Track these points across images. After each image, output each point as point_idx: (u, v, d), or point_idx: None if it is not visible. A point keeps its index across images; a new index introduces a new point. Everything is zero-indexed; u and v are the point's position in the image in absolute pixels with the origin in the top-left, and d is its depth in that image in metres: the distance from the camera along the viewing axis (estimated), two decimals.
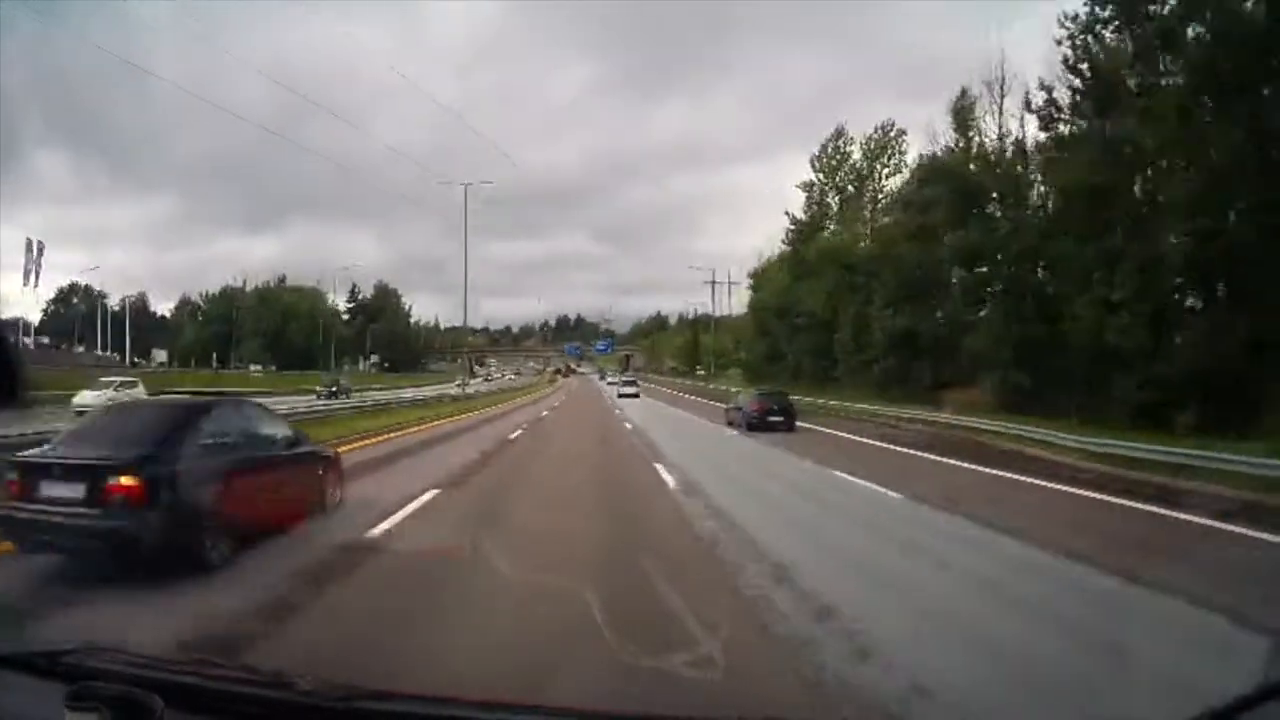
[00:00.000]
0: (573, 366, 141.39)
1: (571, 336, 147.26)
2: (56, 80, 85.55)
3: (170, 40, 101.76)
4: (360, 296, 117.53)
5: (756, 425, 22.33)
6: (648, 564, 5.90)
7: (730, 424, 24.62)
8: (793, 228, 53.67)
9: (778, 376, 47.40)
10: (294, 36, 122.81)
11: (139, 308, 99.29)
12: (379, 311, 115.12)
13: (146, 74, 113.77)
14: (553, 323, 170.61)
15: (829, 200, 52.78)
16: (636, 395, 51.68)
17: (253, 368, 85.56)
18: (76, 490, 5.50)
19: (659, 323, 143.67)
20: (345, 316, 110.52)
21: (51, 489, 5.60)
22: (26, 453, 6.09)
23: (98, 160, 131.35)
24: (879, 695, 3.66)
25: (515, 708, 1.95)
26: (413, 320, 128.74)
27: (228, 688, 1.76)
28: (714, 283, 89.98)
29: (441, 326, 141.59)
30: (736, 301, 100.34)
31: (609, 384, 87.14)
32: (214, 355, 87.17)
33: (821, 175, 52.56)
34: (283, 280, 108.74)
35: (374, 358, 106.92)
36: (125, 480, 5.45)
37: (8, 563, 5.73)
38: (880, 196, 48.41)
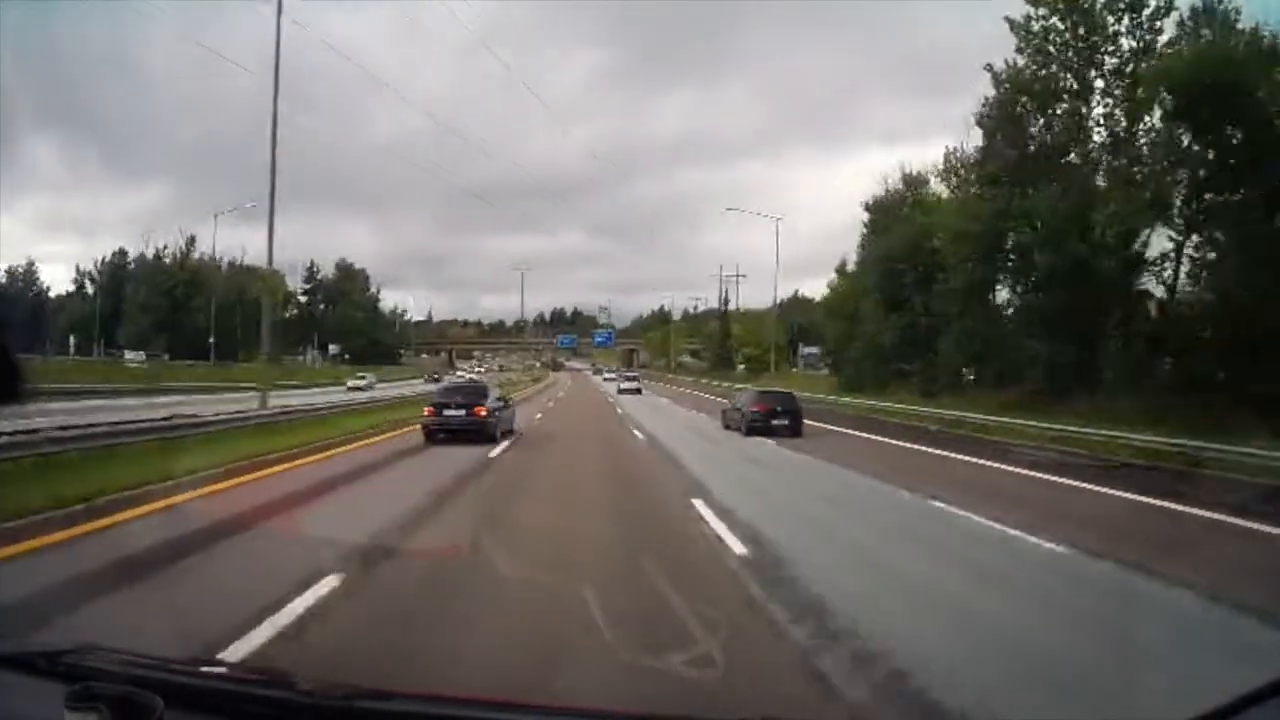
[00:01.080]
0: (561, 361, 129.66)
1: (568, 331, 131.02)
2: (45, 65, 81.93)
3: (159, 26, 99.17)
4: (320, 277, 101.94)
5: (760, 429, 20.26)
6: None
7: (727, 426, 22.87)
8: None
9: (874, 378, 39.11)
10: (287, 22, 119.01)
11: (25, 280, 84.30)
12: (338, 295, 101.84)
13: (136, 58, 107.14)
14: (547, 316, 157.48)
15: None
16: (638, 391, 50.27)
17: (129, 355, 65.38)
18: (460, 411, 16.84)
19: (662, 318, 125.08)
20: (303, 299, 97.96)
21: (449, 411, 16.91)
22: (435, 398, 18.52)
23: (87, 147, 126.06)
24: (879, 696, 3.67)
25: (515, 707, 1.95)
26: (393, 309, 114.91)
27: (228, 688, 1.76)
28: (737, 276, 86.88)
29: (435, 320, 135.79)
30: (746, 299, 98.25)
31: (606, 378, 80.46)
32: (102, 338, 72.09)
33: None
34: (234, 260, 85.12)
35: (332, 348, 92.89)
36: (480, 410, 16.99)
37: (8, 563, 5.78)
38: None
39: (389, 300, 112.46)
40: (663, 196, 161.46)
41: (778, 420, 20.59)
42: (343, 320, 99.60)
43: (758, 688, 3.74)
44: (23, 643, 1.99)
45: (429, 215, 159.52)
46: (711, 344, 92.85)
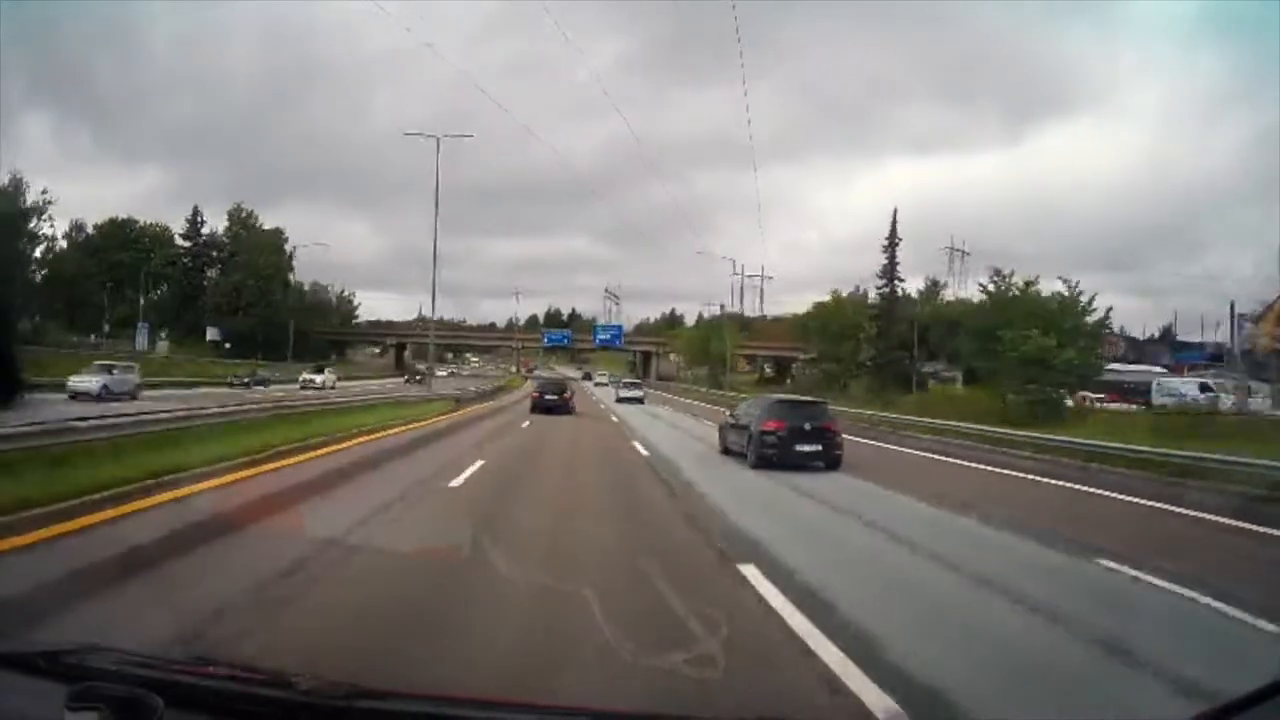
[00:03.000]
0: (533, 365, 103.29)
1: (560, 329, 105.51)
2: (38, 40, 79.08)
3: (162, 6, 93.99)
4: (209, 233, 75.73)
5: (775, 460, 13.74)
6: None
7: (726, 450, 16.22)
8: None
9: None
10: (288, 10, 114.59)
11: None
12: (226, 259, 75.93)
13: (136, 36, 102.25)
14: (541, 319, 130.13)
15: None
16: (641, 400, 43.05)
17: None
18: (553, 393, 30.48)
19: (672, 322, 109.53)
20: (185, 259, 75.58)
21: (548, 396, 30.25)
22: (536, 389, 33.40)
23: (81, 126, 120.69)
24: (878, 696, 3.66)
25: (515, 707, 1.95)
26: (342, 293, 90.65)
27: (228, 687, 1.76)
28: (762, 277, 77.45)
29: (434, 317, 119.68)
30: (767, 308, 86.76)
31: (596, 384, 69.56)
32: None
33: None
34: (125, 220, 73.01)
35: (211, 332, 68.92)
36: (565, 393, 31.01)
37: (8, 563, 5.76)
38: None
39: (373, 302, 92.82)
40: (676, 200, 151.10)
41: (805, 445, 13.82)
42: (242, 292, 71.74)
43: (756, 687, 3.75)
44: (23, 642, 1.99)
45: (426, 213, 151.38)
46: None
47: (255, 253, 74.22)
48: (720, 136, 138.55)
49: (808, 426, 14.04)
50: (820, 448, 13.89)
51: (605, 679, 3.63)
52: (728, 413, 18.81)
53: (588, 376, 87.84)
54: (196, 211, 77.03)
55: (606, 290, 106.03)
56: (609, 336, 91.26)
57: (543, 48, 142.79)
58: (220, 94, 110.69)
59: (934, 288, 74.39)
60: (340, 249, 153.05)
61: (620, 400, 42.47)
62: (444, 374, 72.64)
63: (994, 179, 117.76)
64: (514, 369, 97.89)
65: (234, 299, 72.56)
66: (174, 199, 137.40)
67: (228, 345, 67.22)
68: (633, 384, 49.92)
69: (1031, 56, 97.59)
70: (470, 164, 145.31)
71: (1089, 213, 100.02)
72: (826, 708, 3.59)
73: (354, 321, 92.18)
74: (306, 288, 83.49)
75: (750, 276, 79.92)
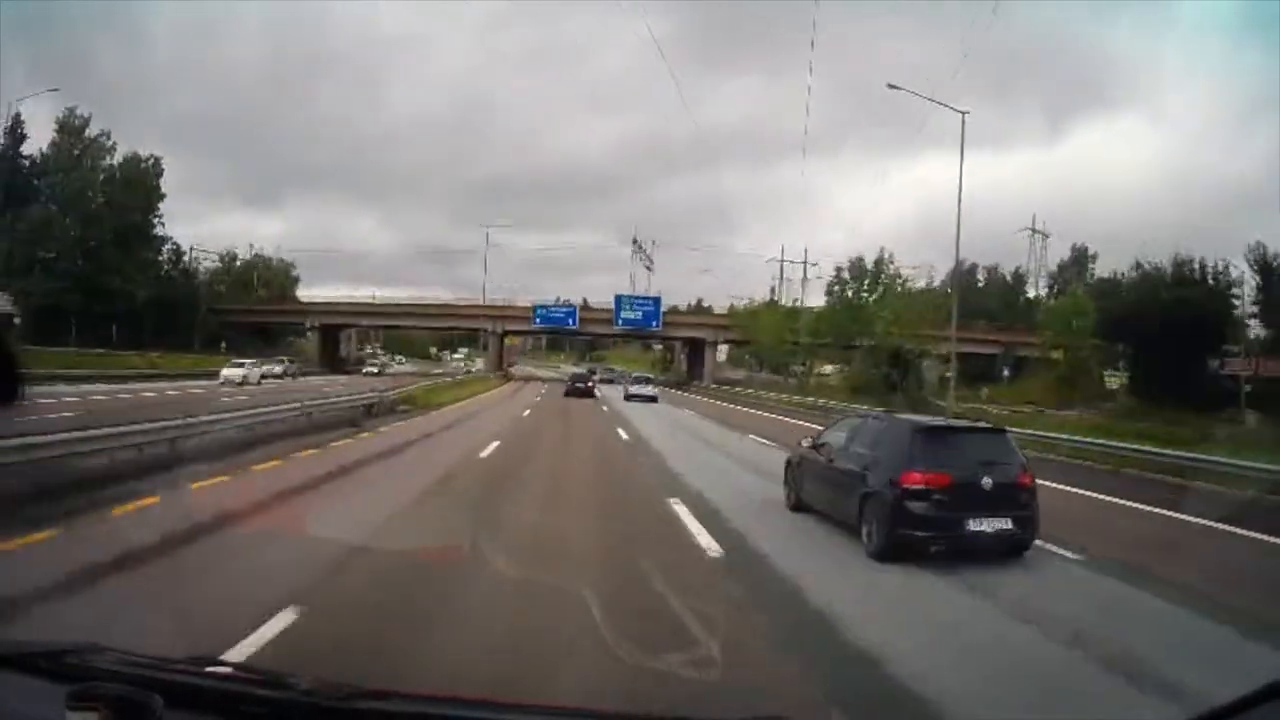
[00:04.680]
0: (512, 365, 79.18)
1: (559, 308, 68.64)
2: (38, 24, 76.63)
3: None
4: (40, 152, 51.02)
5: (930, 543, 7.23)
6: None
7: (800, 505, 9.57)
8: None
9: None
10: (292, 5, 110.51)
11: None
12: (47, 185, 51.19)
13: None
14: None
15: None
16: (654, 399, 37.24)
17: None
18: (584, 381, 41.76)
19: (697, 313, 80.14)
20: None
21: (577, 384, 40.83)
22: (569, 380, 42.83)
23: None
24: (879, 696, 3.66)
25: (515, 708, 1.95)
26: (257, 253, 70.57)
27: (228, 688, 1.77)
28: (806, 263, 56.43)
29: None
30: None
31: (610, 382, 53.17)
32: None
33: None
34: None
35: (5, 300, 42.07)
36: (591, 383, 42.66)
37: (8, 563, 5.76)
38: None
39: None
40: (699, 195, 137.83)
41: (984, 517, 7.31)
42: (49, 233, 48.31)
43: (756, 687, 3.74)
44: (23, 643, 1.99)
45: (437, 207, 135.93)
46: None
47: (90, 185, 50.95)
48: (745, 130, 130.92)
49: (987, 482, 7.39)
50: (1009, 522, 7.33)
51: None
52: (805, 442, 9.93)
53: (578, 382, 57.05)
54: (16, 120, 49.39)
55: (635, 245, 68.97)
56: (639, 316, 59.45)
57: (562, 35, 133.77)
58: (225, 84, 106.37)
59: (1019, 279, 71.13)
60: (349, 243, 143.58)
61: (629, 398, 37.17)
62: (373, 370, 62.21)
63: (1032, 176, 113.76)
64: (482, 367, 66.76)
65: (32, 246, 46.63)
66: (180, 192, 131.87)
67: (16, 320, 39.61)
68: (645, 380, 43.68)
69: (1075, 53, 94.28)
70: (486, 156, 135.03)
71: (1126, 213, 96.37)
72: (826, 708, 3.59)
73: (288, 303, 68.93)
74: (222, 258, 66.97)
75: (793, 261, 58.91)
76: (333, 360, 65.40)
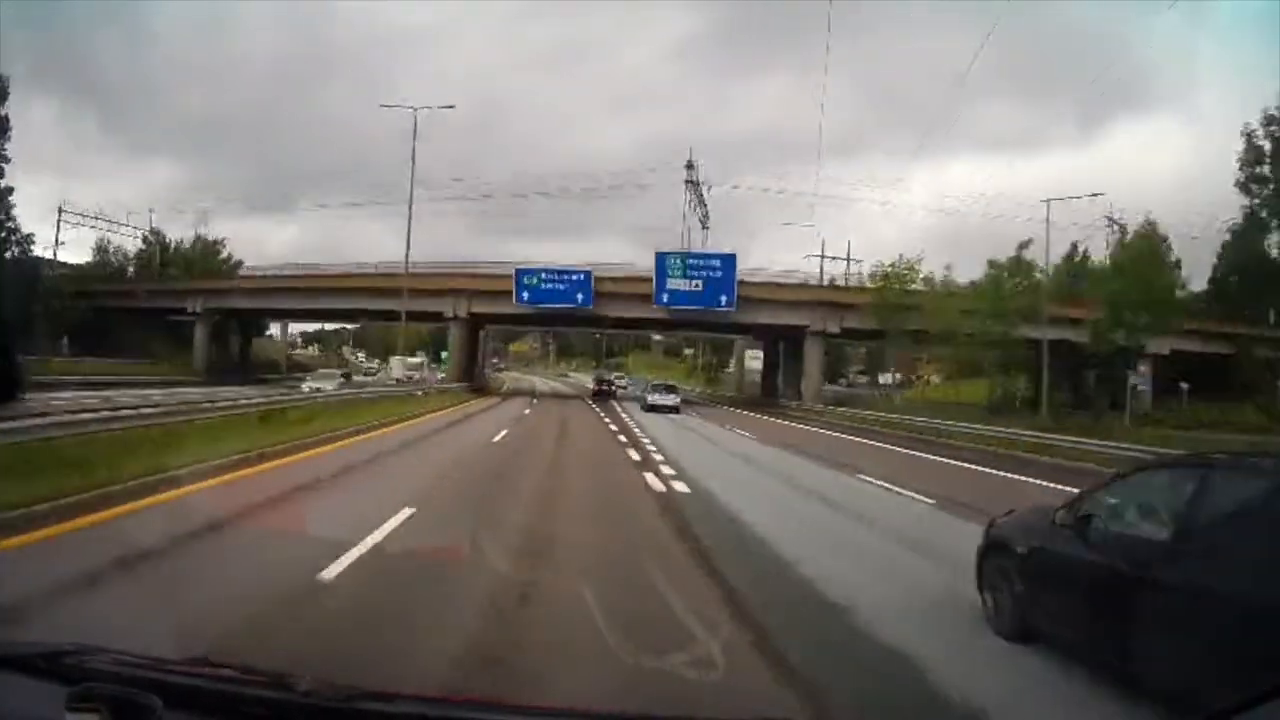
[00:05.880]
0: (501, 369, 70.09)
1: (570, 274, 41.64)
2: (43, 28, 74.73)
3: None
4: None
5: None
6: None
7: (1027, 630, 4.61)
8: None
9: None
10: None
11: None
12: None
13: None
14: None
15: None
16: (676, 409, 32.44)
17: None
18: (608, 384, 50.00)
19: None
20: None
21: (602, 385, 48.81)
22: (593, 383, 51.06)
23: (89, 118, 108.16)
24: (878, 697, 3.65)
25: (515, 708, 1.95)
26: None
27: (227, 688, 1.77)
28: (849, 259, 46.69)
29: None
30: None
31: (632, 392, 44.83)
32: None
33: None
34: None
35: None
36: (607, 384, 49.44)
37: (8, 563, 5.76)
38: None
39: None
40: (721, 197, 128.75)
41: None
42: None
43: (756, 687, 3.72)
44: (23, 643, 2.00)
45: (457, 211, 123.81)
46: None
47: None
48: (764, 133, 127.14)
49: None
50: None
51: None
52: (1060, 514, 4.66)
53: (605, 387, 47.25)
54: None
55: (689, 171, 46.77)
56: (698, 288, 38.67)
57: (580, 32, 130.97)
58: (231, 82, 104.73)
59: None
60: (357, 252, 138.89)
61: (650, 409, 31.71)
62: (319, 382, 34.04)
63: (1063, 178, 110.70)
64: (406, 375, 42.82)
65: None
66: (186, 192, 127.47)
67: None
68: (666, 388, 36.10)
69: (1109, 51, 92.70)
70: (501, 160, 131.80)
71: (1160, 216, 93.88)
72: (825, 709, 3.59)
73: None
74: (146, 239, 53.57)
75: (833, 258, 49.31)
76: (241, 363, 51.16)
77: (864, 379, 66.63)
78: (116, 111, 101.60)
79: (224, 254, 57.07)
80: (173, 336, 49.30)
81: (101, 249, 53.94)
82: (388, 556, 6.22)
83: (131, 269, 54.14)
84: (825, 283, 45.44)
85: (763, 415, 35.15)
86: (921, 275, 39.46)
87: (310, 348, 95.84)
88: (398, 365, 44.58)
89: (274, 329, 68.49)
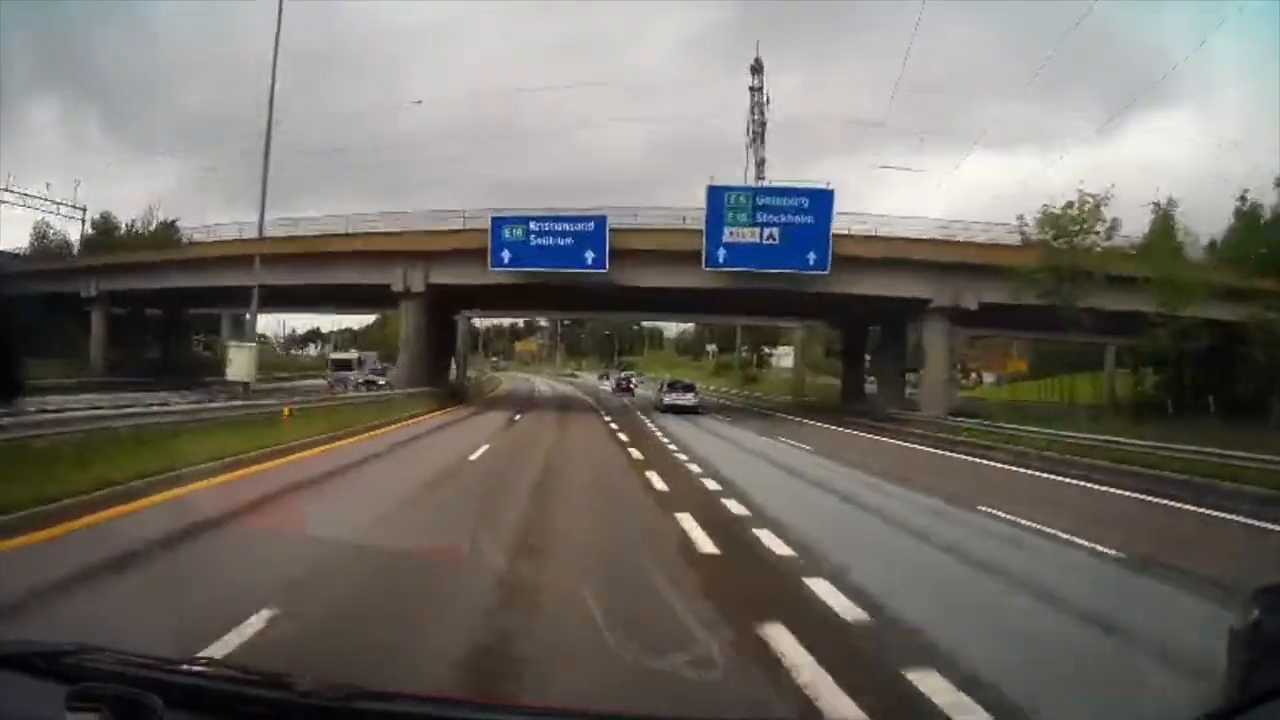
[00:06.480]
0: (496, 368, 66.93)
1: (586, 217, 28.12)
2: (44, 21, 73.65)
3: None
4: None
5: None
6: None
7: None
8: None
9: None
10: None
11: None
12: None
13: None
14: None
15: None
16: (696, 409, 30.60)
17: None
18: (607, 384, 62.91)
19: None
20: None
21: (621, 384, 55.98)
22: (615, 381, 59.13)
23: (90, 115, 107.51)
24: (878, 698, 3.65)
25: (515, 708, 1.95)
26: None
27: (227, 688, 1.77)
28: None
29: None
30: None
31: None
32: None
33: None
34: None
35: None
36: (625, 382, 56.60)
37: (8, 563, 5.76)
38: None
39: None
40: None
41: None
42: None
43: (756, 687, 3.72)
44: (23, 643, 2.00)
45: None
46: None
47: None
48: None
49: None
50: None
51: None
52: None
53: (625, 384, 46.09)
54: None
55: (756, 75, 39.86)
56: (772, 241, 26.75)
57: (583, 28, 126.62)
58: (235, 78, 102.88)
59: None
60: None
61: (667, 410, 29.41)
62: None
63: (1081, 176, 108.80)
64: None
65: None
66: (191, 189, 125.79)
67: None
68: (684, 386, 33.68)
69: (1128, 47, 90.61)
70: (512, 157, 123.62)
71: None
72: (825, 709, 3.58)
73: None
74: (95, 223, 47.46)
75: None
76: (164, 359, 43.97)
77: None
78: (117, 111, 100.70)
79: (184, 236, 44.53)
80: (86, 330, 40.89)
81: (40, 234, 48.50)
82: (388, 554, 6.20)
83: (77, 254, 46.67)
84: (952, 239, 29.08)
85: (880, 437, 22.67)
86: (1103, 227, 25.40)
87: (309, 347, 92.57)
88: (237, 355, 22.61)
89: (267, 323, 60.12)
